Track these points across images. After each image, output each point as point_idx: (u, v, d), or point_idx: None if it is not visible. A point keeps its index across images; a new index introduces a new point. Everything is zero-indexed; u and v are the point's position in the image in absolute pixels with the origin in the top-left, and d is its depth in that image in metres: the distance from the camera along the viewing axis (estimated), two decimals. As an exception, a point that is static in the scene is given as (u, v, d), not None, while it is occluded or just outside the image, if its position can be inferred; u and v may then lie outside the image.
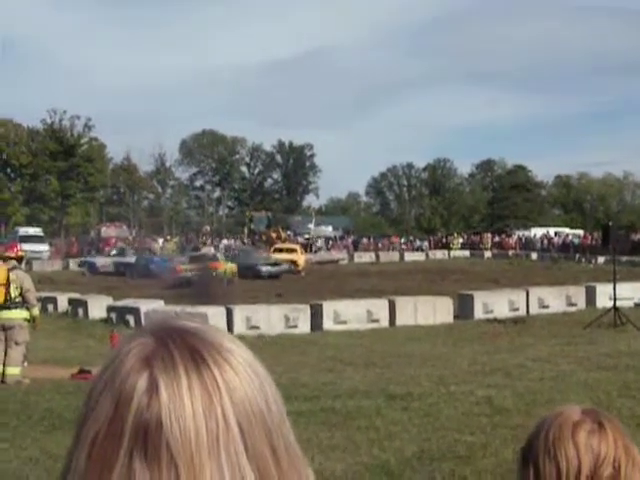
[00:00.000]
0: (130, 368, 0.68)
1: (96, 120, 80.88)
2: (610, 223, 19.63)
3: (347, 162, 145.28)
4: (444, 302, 18.95)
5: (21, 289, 11.18)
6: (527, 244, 60.57)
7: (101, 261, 43.26)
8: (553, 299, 20.03)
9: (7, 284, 11.11)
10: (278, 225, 58.90)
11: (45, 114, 79.61)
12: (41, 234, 55.42)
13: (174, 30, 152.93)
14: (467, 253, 59.11)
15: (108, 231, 59.85)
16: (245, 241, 56.49)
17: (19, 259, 11.97)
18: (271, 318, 17.10)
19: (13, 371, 11.03)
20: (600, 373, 9.99)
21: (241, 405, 0.68)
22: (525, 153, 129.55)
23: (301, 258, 42.62)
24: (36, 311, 11.53)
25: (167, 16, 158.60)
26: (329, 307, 17.84)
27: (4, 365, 11.02)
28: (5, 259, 11.64)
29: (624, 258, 37.23)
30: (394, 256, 55.97)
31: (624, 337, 14.46)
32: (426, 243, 66.46)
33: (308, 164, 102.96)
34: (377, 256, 55.26)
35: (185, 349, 0.69)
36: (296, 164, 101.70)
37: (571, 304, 20.10)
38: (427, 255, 57.06)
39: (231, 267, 35.08)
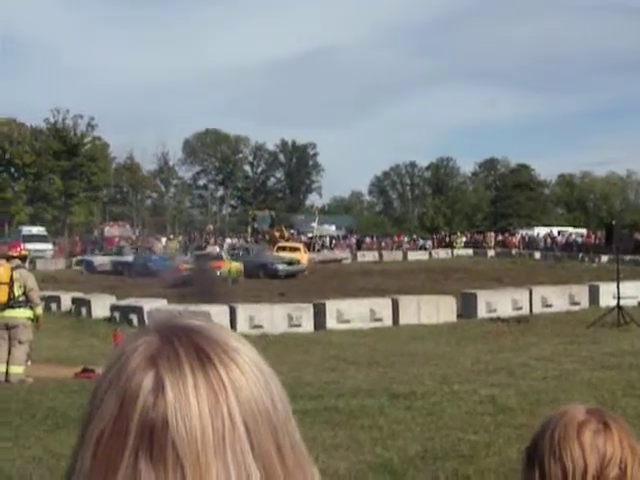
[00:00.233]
0: (136, 367, 0.68)
1: (99, 119, 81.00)
2: (613, 222, 19.58)
3: (350, 161, 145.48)
4: (447, 301, 18.93)
5: (25, 288, 11.20)
6: (530, 243, 60.49)
7: (99, 260, 43.03)
8: (556, 298, 20.01)
9: (11, 283, 11.12)
10: (281, 224, 58.81)
11: (48, 113, 79.75)
12: (44, 233, 55.47)
13: (175, 30, 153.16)
14: (470, 252, 59.03)
15: (111, 230, 59.85)
16: (248, 240, 56.41)
17: (22, 258, 12.00)
18: (274, 317, 17.11)
19: (17, 370, 11.04)
20: (604, 372, 9.97)
21: (247, 404, 0.68)
22: (528, 152, 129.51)
23: (304, 257, 42.58)
24: (39, 310, 11.54)
25: (167, 16, 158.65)
26: (332, 306, 17.83)
27: (8, 364, 11.03)
28: (9, 258, 11.65)
29: (627, 257, 37.17)
30: (397, 255, 55.93)
31: (628, 336, 14.44)
32: (429, 242, 66.38)
33: (311, 163, 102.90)
34: (380, 255, 55.21)
35: (191, 348, 0.69)
36: (299, 163, 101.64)
37: (574, 303, 20.08)
38: (430, 254, 56.97)
39: (236, 266, 34.96)
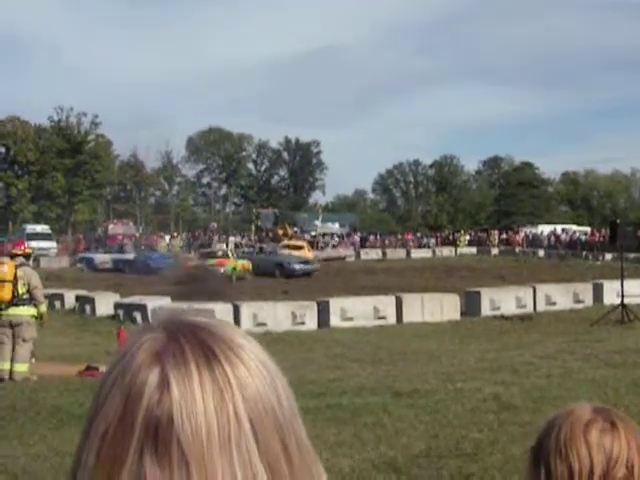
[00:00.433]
0: (141, 363, 0.67)
1: (102, 117, 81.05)
2: (617, 220, 19.59)
3: (354, 159, 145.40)
4: (451, 299, 18.92)
5: (28, 286, 11.21)
6: (534, 241, 60.41)
7: (99, 257, 42.98)
8: (560, 296, 19.99)
9: (15, 281, 11.13)
10: (285, 222, 58.77)
11: (52, 111, 79.91)
12: (48, 231, 55.59)
13: (175, 30, 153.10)
14: (474, 250, 58.95)
15: (115, 228, 59.85)
16: (252, 238, 56.40)
17: (26, 256, 12.00)
18: (278, 315, 17.11)
19: (21, 368, 11.06)
20: (608, 370, 9.95)
21: (252, 401, 0.67)
22: (532, 150, 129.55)
23: (308, 255, 42.56)
24: (43, 308, 11.54)
25: (167, 16, 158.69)
26: (336, 304, 17.83)
27: (12, 362, 11.04)
28: (13, 256, 11.66)
29: (631, 255, 37.12)
30: (401, 253, 55.93)
31: (632, 334, 14.41)
32: (433, 240, 66.31)
33: (315, 161, 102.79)
34: (384, 253, 55.20)
35: (196, 344, 0.68)
36: (303, 161, 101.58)
37: (578, 301, 20.05)
38: (434, 252, 56.93)
39: (242, 264, 34.82)
